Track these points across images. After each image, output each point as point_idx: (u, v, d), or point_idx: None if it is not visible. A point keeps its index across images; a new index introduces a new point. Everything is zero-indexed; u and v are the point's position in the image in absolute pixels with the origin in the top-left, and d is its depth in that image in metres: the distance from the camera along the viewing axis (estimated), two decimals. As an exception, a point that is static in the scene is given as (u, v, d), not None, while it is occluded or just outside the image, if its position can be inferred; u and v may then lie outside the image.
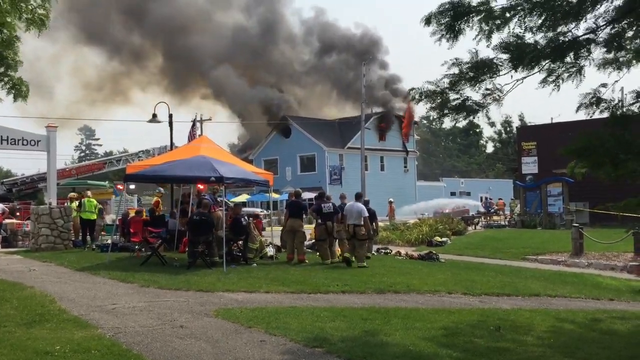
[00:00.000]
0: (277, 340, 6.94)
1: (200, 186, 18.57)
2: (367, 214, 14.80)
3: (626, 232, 18.05)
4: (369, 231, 15.09)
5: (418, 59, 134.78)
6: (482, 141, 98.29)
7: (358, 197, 15.47)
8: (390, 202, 36.04)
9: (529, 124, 47.21)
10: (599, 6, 6.42)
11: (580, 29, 6.65)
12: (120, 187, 26.21)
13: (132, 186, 26.27)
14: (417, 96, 7.40)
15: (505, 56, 6.77)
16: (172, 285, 10.80)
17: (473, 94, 7.25)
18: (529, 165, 38.68)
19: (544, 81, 7.16)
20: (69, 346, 6.43)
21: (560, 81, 7.04)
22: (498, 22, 6.60)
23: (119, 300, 9.32)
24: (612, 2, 6.45)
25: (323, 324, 7.74)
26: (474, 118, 7.54)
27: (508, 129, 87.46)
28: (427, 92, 7.28)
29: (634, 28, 6.50)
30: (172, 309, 8.66)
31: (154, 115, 26.39)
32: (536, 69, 6.88)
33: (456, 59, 7.09)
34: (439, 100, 7.25)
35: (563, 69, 6.96)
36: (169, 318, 8.06)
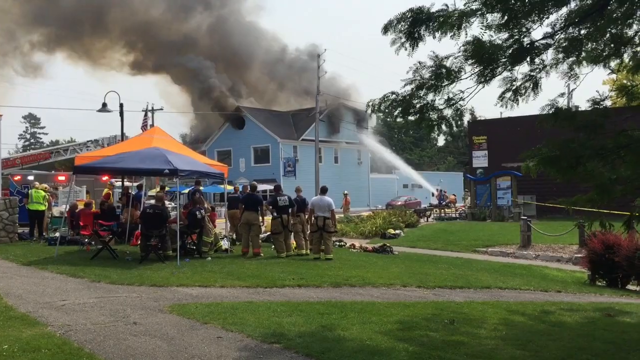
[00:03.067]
0: (233, 337, 6.87)
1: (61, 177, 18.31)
2: (334, 207, 15.03)
3: (575, 224, 18.70)
4: (334, 224, 15.38)
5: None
6: (433, 134, 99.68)
7: (324, 190, 15.50)
8: (346, 195, 36.22)
9: (480, 118, 48.09)
10: (557, 9, 6.54)
11: (538, 33, 6.79)
12: (16, 178, 25.15)
13: (17, 177, 25.29)
14: (375, 107, 7.38)
15: (468, 60, 6.81)
16: (124, 280, 10.56)
17: (434, 99, 7.27)
18: (480, 159, 39.50)
19: (501, 97, 7.28)
20: (18, 345, 6.21)
21: (519, 96, 7.16)
22: (458, 23, 6.62)
23: (69, 296, 9.05)
24: (568, 6, 6.59)
25: (280, 319, 7.71)
26: (437, 131, 7.62)
27: (459, 122, 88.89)
28: (386, 101, 7.27)
29: (591, 31, 6.66)
30: (125, 305, 8.47)
31: (104, 105, 25.76)
32: (495, 80, 6.98)
33: (419, 62, 7.08)
34: (399, 110, 7.25)
35: (520, 82, 7.09)
36: (121, 314, 7.87)
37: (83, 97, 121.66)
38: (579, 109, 7.80)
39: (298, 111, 58.11)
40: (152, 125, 37.24)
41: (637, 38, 7.00)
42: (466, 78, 7.07)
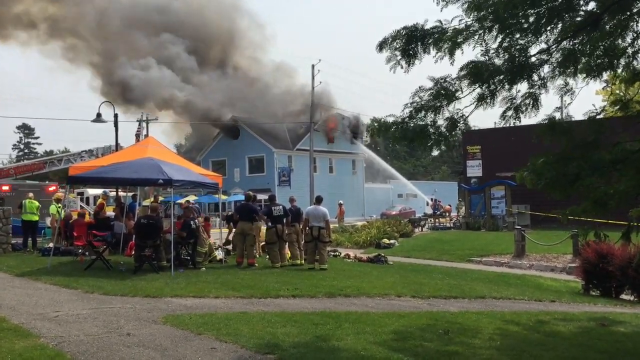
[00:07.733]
0: (228, 347, 6.84)
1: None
2: (329, 217, 14.98)
3: (568, 235, 18.74)
4: (329, 234, 15.32)
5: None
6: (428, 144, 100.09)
7: (319, 200, 15.45)
8: (340, 205, 36.21)
9: (474, 128, 48.25)
10: (552, 27, 6.59)
11: (534, 50, 6.83)
12: None
13: None
14: (376, 130, 7.42)
15: (465, 80, 6.85)
16: (118, 291, 10.51)
17: (435, 120, 7.32)
18: (474, 169, 39.54)
19: (503, 116, 7.33)
20: (10, 357, 6.17)
21: (520, 113, 7.21)
22: (456, 41, 6.67)
23: (62, 308, 9.00)
24: (564, 22, 6.64)
25: (274, 330, 7.68)
26: (437, 147, 7.68)
27: (453, 132, 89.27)
28: (386, 124, 7.31)
29: (585, 44, 6.72)
30: (119, 316, 8.43)
31: (99, 115, 25.72)
32: (496, 104, 7.02)
33: (420, 86, 7.12)
34: (399, 131, 7.28)
35: (520, 99, 7.13)
36: (115, 325, 7.83)
37: (78, 107, 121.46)
38: (575, 120, 7.86)
39: (293, 122, 58.14)
40: (146, 135, 37.16)
41: (630, 50, 7.07)
42: (464, 97, 7.12)
